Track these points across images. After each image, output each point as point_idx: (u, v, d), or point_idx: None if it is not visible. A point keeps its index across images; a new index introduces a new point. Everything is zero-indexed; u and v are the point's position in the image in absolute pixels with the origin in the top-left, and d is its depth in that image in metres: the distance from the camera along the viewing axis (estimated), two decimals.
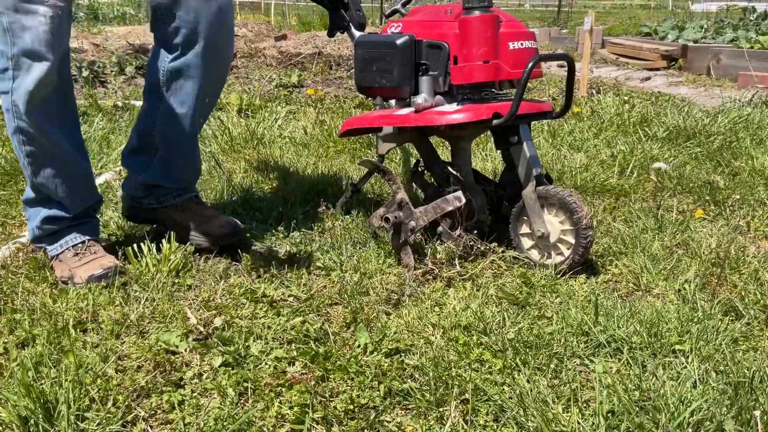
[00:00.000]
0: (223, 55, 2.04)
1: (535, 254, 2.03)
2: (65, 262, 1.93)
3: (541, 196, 1.98)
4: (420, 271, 1.95)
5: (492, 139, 2.22)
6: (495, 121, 1.93)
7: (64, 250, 1.94)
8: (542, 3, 20.10)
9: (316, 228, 2.30)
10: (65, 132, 1.89)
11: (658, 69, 6.69)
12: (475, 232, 2.06)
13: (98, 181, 2.59)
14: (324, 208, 2.30)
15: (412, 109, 2.00)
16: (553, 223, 1.97)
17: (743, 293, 1.80)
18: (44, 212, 1.95)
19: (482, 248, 2.03)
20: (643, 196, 2.68)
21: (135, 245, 2.00)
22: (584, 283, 1.90)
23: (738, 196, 2.58)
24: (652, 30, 8.50)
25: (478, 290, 1.84)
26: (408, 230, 1.98)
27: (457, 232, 2.02)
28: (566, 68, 2.05)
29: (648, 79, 6.16)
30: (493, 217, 2.18)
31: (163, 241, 1.98)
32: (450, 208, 1.99)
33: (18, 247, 2.09)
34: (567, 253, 1.95)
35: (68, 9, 1.76)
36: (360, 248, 2.11)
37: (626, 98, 4.61)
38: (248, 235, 2.22)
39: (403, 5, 2.27)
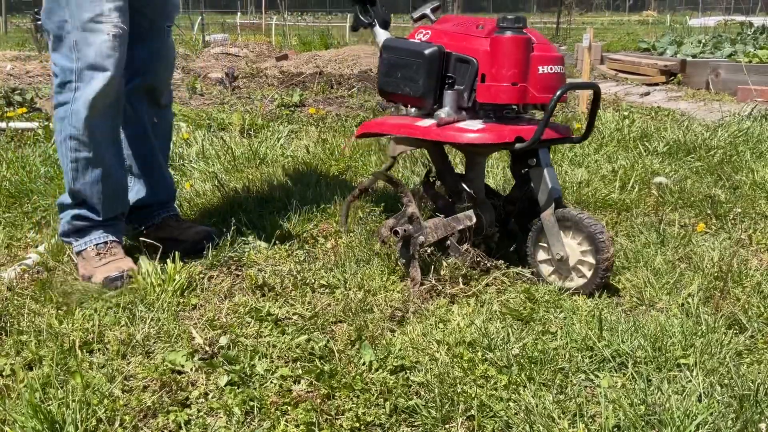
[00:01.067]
0: (163, 87, 2.31)
1: (549, 272, 2.01)
2: (88, 260, 2.08)
3: (560, 219, 1.96)
4: (425, 287, 1.96)
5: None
6: (517, 145, 1.92)
7: (88, 248, 2.10)
8: (541, 20, 20.24)
9: (319, 246, 2.31)
10: (111, 146, 2.10)
11: (657, 84, 6.73)
12: (482, 246, 2.06)
13: None
14: (327, 226, 2.31)
15: (433, 121, 2.00)
16: (572, 246, 1.95)
17: (746, 306, 1.80)
18: (76, 211, 2.12)
19: (488, 264, 2.03)
20: (644, 210, 2.69)
21: (141, 262, 2.01)
22: (588, 298, 1.91)
23: (739, 210, 2.59)
24: (651, 45, 8.56)
25: (482, 306, 1.84)
26: (417, 244, 1.97)
27: (465, 246, 2.02)
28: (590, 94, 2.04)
29: (647, 94, 6.20)
30: (500, 232, 2.17)
31: (168, 261, 1.99)
32: (461, 227, 1.99)
33: (24, 269, 2.10)
34: (583, 280, 1.93)
35: (127, 33, 2.00)
36: (364, 266, 2.11)
37: (626, 113, 4.63)
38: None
39: (433, 11, 2.26)
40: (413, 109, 2.12)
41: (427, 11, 2.25)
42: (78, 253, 2.12)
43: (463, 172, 2.18)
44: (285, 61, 8.43)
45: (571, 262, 1.95)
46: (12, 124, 3.99)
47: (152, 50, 2.22)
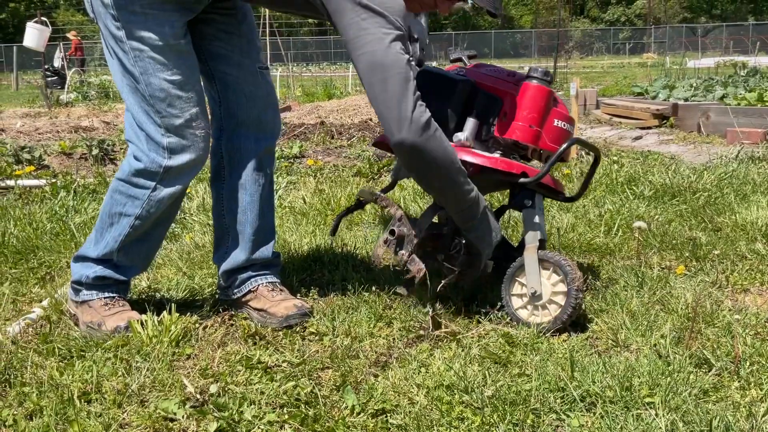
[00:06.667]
0: (273, 131, 2.30)
1: (526, 316, 2.11)
2: (95, 309, 2.15)
3: (540, 259, 2.09)
4: (413, 335, 2.05)
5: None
6: (521, 180, 2.10)
7: (96, 299, 2.17)
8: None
9: (311, 295, 2.41)
10: (167, 224, 2.26)
11: (650, 128, 6.88)
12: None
13: None
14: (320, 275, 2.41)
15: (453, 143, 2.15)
16: (546, 285, 2.08)
17: (715, 346, 1.88)
18: (98, 270, 2.17)
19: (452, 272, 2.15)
20: (627, 254, 2.78)
21: (139, 316, 2.10)
22: (565, 340, 1.99)
23: (718, 251, 2.68)
24: (644, 90, 8.74)
25: (462, 350, 1.93)
26: (412, 237, 2.10)
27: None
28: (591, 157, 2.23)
29: (640, 137, 6.33)
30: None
31: (165, 312, 2.09)
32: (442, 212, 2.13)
33: (27, 323, 2.21)
34: (557, 309, 2.05)
35: (210, 132, 2.13)
36: (352, 313, 2.20)
37: (615, 158, 4.75)
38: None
39: (469, 57, 2.44)
40: None
41: (464, 56, 2.45)
42: (83, 302, 2.17)
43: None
44: (288, 112, 8.65)
45: (544, 297, 2.07)
46: (20, 182, 4.14)
47: (246, 94, 2.21)
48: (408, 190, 4.00)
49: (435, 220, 2.21)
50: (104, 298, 2.17)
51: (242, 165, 2.24)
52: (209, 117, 2.17)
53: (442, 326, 2.06)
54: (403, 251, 2.12)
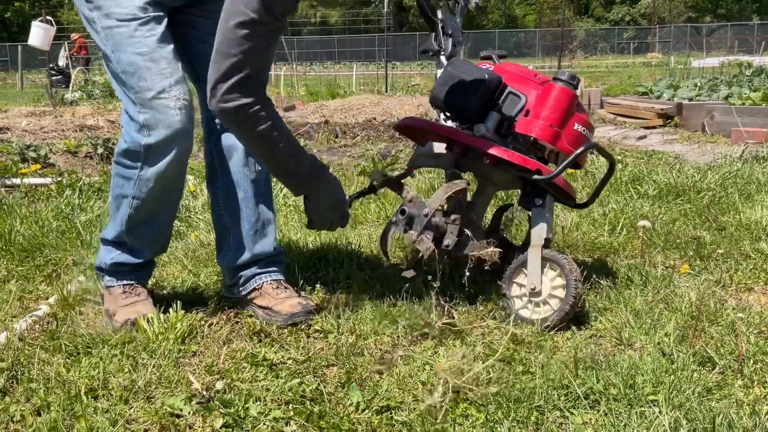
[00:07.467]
0: None
1: (520, 306, 2.15)
2: (114, 296, 2.22)
3: (543, 257, 2.12)
4: (417, 333, 2.06)
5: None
6: (535, 176, 2.12)
7: (116, 285, 2.23)
8: (543, 64, 20.60)
9: (316, 292, 2.42)
10: (171, 207, 2.26)
11: (654, 127, 6.88)
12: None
13: None
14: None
15: (472, 133, 2.20)
16: (545, 281, 2.10)
17: (719, 344, 1.89)
18: (116, 255, 2.23)
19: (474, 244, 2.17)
20: (631, 253, 2.78)
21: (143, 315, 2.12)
22: (569, 338, 2.00)
23: (722, 251, 2.68)
24: (648, 89, 8.73)
25: (467, 348, 1.93)
26: (422, 216, 2.14)
27: (453, 217, 2.18)
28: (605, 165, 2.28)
29: (644, 137, 6.33)
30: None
31: (170, 310, 2.10)
32: (459, 188, 2.16)
33: (34, 320, 2.22)
34: (558, 302, 2.08)
35: (192, 102, 2.08)
36: (357, 311, 2.21)
37: (620, 158, 4.75)
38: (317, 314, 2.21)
39: (498, 57, 2.47)
40: (450, 122, 2.31)
41: (494, 55, 2.49)
42: (107, 288, 2.25)
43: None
44: (292, 111, 8.66)
45: (543, 293, 2.10)
46: (26, 180, 4.16)
47: None
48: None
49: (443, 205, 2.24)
50: (123, 285, 2.23)
51: (233, 163, 2.28)
52: (188, 90, 2.12)
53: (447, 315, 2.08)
54: (412, 231, 2.15)
